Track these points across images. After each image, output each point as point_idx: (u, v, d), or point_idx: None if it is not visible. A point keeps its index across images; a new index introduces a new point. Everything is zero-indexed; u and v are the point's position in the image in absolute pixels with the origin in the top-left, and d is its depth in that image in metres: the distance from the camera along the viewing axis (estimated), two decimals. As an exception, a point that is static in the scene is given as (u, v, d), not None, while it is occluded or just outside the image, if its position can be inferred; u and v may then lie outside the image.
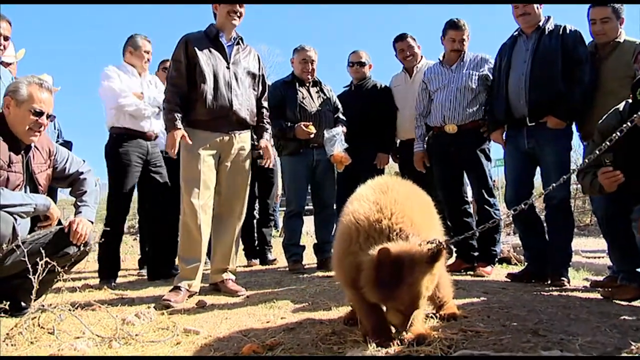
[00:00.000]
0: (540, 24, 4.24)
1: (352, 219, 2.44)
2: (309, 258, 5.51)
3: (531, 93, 4.07)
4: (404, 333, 2.37)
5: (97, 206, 3.65)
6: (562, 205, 4.08)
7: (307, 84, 5.27)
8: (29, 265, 2.81)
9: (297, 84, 5.22)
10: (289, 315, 3.24)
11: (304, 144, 5.07)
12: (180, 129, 3.86)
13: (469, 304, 3.23)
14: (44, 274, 2.89)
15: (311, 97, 5.22)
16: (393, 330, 2.44)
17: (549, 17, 4.27)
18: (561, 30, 4.14)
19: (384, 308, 2.48)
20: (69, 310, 2.94)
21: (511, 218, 4.54)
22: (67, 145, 5.48)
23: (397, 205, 2.39)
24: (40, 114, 3.27)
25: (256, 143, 4.41)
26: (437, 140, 4.86)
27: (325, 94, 5.32)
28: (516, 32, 4.37)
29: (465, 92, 4.74)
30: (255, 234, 6.24)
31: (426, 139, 4.98)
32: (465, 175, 4.87)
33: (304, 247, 5.38)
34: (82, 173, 3.65)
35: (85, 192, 3.59)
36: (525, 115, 4.11)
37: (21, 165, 3.28)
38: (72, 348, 2.59)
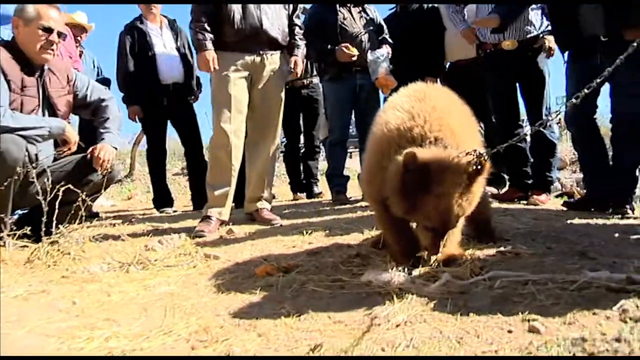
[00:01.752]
0: None
1: (384, 130, 2.18)
2: (356, 190, 5.28)
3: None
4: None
5: (120, 133, 3.53)
6: (630, 123, 3.57)
7: (349, 4, 4.89)
8: (39, 192, 2.72)
9: (337, 5, 4.85)
10: (317, 241, 3.05)
11: (346, 67, 4.74)
12: (210, 49, 3.67)
13: (513, 229, 2.93)
14: (69, 204, 2.84)
15: (353, 17, 4.85)
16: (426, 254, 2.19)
17: None
18: None
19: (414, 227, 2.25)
20: (90, 237, 2.87)
21: (571, 140, 4.06)
22: (106, 82, 5.40)
23: (434, 113, 2.10)
24: (49, 30, 3.14)
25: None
26: (492, 58, 4.41)
27: (368, 14, 4.95)
28: None
29: None
30: (301, 167, 6.07)
31: (479, 53, 4.57)
32: (520, 97, 4.43)
33: (347, 178, 5.15)
34: (104, 100, 3.52)
35: (108, 118, 3.47)
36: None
37: (36, 89, 3.16)
38: (85, 271, 2.49)
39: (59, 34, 3.21)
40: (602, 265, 2.01)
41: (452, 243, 2.19)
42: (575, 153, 4.26)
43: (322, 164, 6.62)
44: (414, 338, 1.48)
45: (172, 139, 6.15)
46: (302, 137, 6.07)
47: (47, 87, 3.23)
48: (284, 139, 6.15)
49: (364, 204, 4.54)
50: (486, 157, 1.92)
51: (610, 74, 3.47)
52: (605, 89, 3.66)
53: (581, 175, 4.27)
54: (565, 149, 6.96)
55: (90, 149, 3.29)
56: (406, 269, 2.04)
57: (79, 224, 2.86)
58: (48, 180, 2.88)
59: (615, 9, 3.45)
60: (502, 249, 2.38)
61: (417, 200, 1.93)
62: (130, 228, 4.04)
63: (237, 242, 3.17)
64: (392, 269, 2.06)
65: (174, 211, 5.46)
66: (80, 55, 5.35)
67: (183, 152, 6.06)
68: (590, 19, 3.58)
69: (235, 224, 3.81)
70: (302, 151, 6.08)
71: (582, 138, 3.80)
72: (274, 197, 5.68)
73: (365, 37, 4.82)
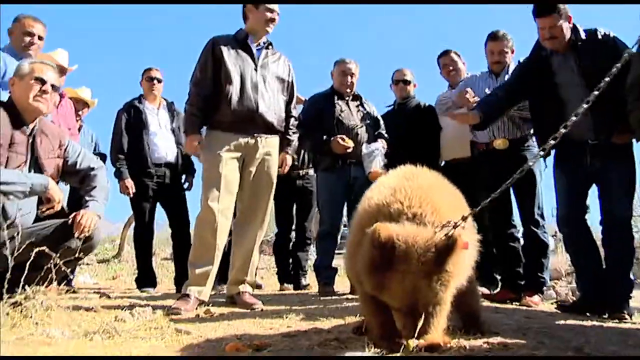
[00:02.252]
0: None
1: (365, 206, 2.16)
2: (345, 284, 5.12)
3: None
4: (412, 341, 1.99)
5: (107, 203, 3.47)
6: (621, 224, 3.55)
7: (347, 98, 4.99)
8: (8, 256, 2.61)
9: (335, 97, 4.95)
10: (296, 325, 2.90)
11: (341, 159, 4.76)
12: (197, 134, 3.81)
13: (503, 324, 2.78)
14: (42, 268, 2.70)
15: (350, 111, 4.93)
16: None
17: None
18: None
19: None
20: (60, 305, 2.73)
21: (562, 241, 3.99)
22: (102, 157, 5.40)
23: (417, 190, 2.06)
24: (42, 80, 3.20)
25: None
26: (485, 157, 4.46)
27: (365, 109, 5.04)
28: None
29: None
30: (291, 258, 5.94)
31: (473, 152, 4.61)
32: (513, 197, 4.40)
33: (336, 270, 4.99)
34: (93, 169, 3.49)
35: (95, 187, 3.43)
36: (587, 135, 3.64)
37: (25, 147, 3.14)
38: (44, 334, 2.34)
39: (53, 87, 3.27)
40: (596, 360, 1.88)
41: (436, 329, 2.05)
42: (571, 265, 4.17)
43: (313, 257, 6.49)
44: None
45: (166, 223, 6.04)
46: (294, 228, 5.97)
47: (36, 147, 3.21)
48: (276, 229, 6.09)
49: (351, 296, 4.39)
50: (457, 227, 1.86)
51: (599, 176, 3.54)
52: (594, 190, 3.69)
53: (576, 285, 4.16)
54: (560, 260, 6.87)
55: (73, 215, 3.21)
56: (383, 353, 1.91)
57: (47, 285, 2.72)
58: (18, 234, 2.77)
59: (605, 116, 3.49)
60: (490, 340, 2.25)
61: (384, 278, 1.85)
62: (106, 302, 3.89)
63: (213, 321, 3.03)
64: (370, 351, 1.93)
65: (156, 292, 5.29)
66: (79, 129, 5.38)
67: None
68: (578, 125, 3.62)
69: (214, 306, 3.65)
70: (292, 242, 5.96)
71: (575, 240, 3.74)
72: (260, 287, 5.53)
73: (361, 131, 4.87)
